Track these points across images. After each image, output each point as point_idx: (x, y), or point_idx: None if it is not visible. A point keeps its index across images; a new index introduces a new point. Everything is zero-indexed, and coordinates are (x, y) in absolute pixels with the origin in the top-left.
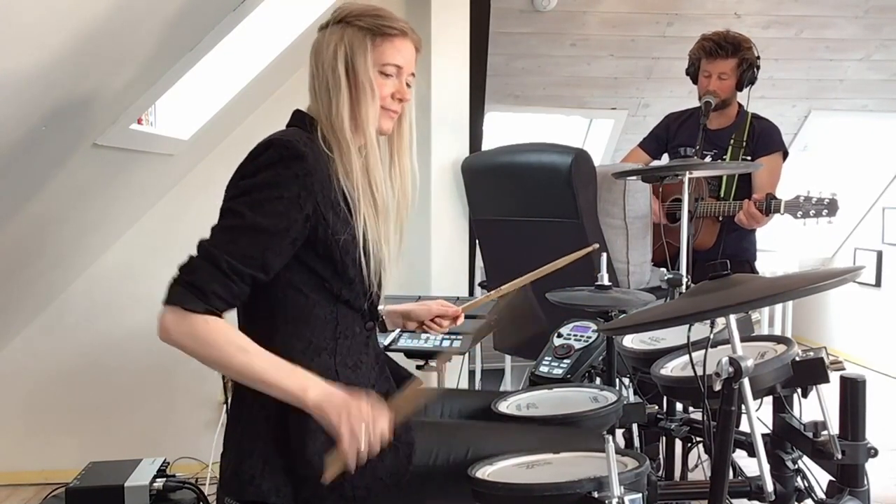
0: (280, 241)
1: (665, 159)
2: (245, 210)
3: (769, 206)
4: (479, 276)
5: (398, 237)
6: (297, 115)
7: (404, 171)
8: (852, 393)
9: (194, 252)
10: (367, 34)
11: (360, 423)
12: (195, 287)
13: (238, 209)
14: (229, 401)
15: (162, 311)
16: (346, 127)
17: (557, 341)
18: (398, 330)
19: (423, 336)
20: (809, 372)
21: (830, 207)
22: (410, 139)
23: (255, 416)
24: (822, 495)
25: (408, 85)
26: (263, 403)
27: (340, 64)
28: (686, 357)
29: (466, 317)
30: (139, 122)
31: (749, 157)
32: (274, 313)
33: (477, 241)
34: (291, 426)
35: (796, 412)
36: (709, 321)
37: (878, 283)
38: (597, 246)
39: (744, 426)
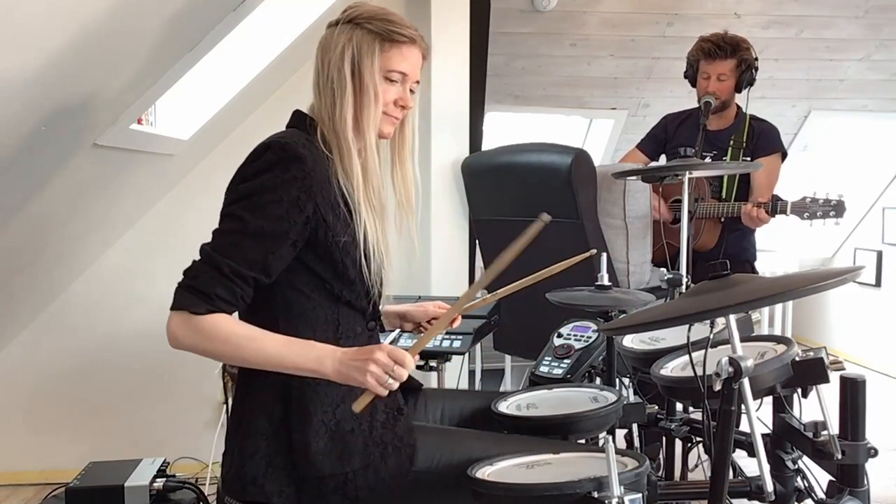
0: (281, 243)
1: (663, 160)
2: (245, 214)
3: (775, 208)
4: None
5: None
6: (297, 115)
7: (406, 177)
8: (852, 393)
9: (197, 256)
10: (376, 38)
11: (384, 373)
12: (199, 291)
13: (239, 213)
14: (230, 401)
15: (168, 317)
16: (348, 128)
17: (557, 341)
18: (398, 330)
19: None
20: (809, 372)
21: (838, 209)
22: (412, 145)
23: (257, 416)
24: (822, 495)
25: (412, 91)
26: (266, 403)
27: (347, 65)
28: (686, 357)
29: (466, 317)
30: (139, 122)
31: (749, 158)
32: (275, 314)
33: (477, 241)
34: (294, 426)
35: (796, 412)
36: (709, 321)
37: (878, 283)
38: (595, 251)
39: (744, 426)
